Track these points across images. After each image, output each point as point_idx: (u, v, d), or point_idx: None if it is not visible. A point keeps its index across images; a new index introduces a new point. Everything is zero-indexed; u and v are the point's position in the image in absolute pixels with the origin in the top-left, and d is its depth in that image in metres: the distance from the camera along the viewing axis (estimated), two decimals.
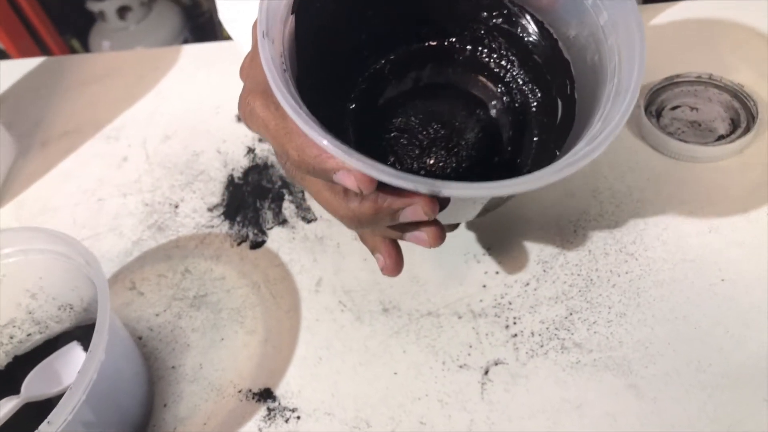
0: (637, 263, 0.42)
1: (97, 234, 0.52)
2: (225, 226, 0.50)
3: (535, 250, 0.44)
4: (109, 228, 0.52)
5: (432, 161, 0.36)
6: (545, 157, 0.36)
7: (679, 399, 0.36)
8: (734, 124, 0.47)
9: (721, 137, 0.46)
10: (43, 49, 1.51)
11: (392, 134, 0.37)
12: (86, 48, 1.58)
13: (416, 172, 0.37)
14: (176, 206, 0.53)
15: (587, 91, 0.34)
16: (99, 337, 0.34)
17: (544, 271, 0.43)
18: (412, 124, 0.37)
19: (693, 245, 0.42)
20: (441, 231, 0.31)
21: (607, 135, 0.27)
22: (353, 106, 0.38)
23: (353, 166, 0.26)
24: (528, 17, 0.37)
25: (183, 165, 0.55)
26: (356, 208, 0.29)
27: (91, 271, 0.36)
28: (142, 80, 0.64)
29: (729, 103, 0.48)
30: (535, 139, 0.38)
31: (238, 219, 0.51)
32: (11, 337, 0.44)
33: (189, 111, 0.60)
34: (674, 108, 0.49)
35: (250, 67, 0.32)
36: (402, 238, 0.33)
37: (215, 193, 0.53)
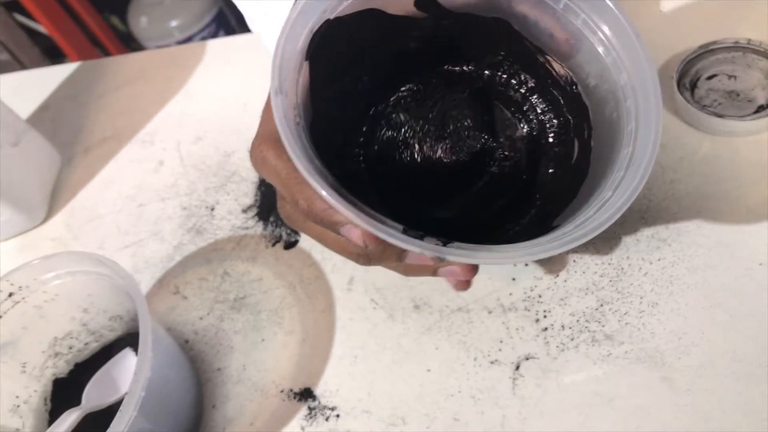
0: (670, 249, 0.41)
1: (140, 240, 0.54)
2: (259, 227, 0.52)
3: None
4: (151, 233, 0.55)
5: (449, 195, 0.37)
6: (558, 195, 0.35)
7: (713, 391, 0.36)
8: None
9: (761, 108, 0.44)
10: (83, 28, 1.56)
11: (408, 167, 0.37)
12: (125, 24, 1.61)
13: (432, 207, 0.37)
14: (212, 209, 0.54)
15: (604, 146, 0.34)
16: (143, 356, 0.36)
17: (574, 261, 0.43)
18: (429, 155, 0.37)
19: (729, 228, 0.41)
20: (468, 271, 0.32)
21: (615, 211, 0.29)
22: (368, 141, 0.38)
23: (362, 226, 0.27)
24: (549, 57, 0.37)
25: (216, 166, 0.57)
26: (362, 250, 0.30)
27: (131, 291, 0.38)
28: (171, 81, 0.65)
29: None
30: (550, 171, 0.37)
31: (271, 219, 0.52)
32: (70, 348, 0.47)
33: (217, 110, 0.61)
34: (710, 78, 0.46)
35: (266, 111, 0.33)
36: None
37: (248, 194, 0.54)
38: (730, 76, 0.46)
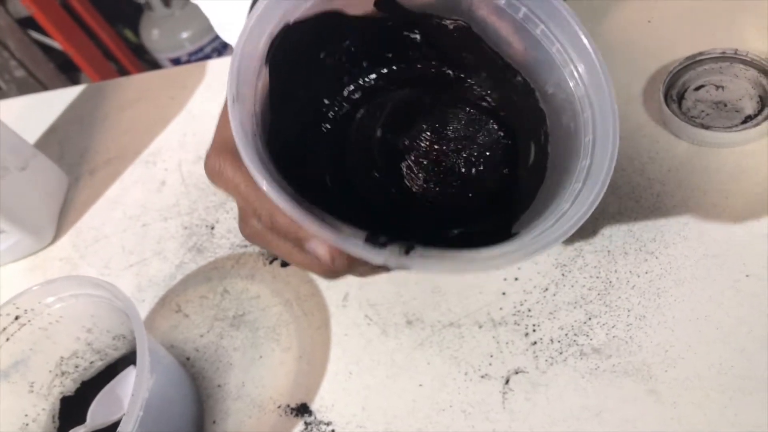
0: (657, 262, 0.41)
1: (144, 259, 0.56)
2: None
3: (553, 253, 0.44)
4: (154, 252, 0.56)
5: (416, 187, 0.37)
6: (516, 200, 0.36)
7: (699, 403, 0.36)
8: (763, 102, 0.44)
9: (748, 118, 0.44)
10: (96, 42, 1.59)
11: (373, 171, 0.37)
12: (138, 37, 1.64)
13: (400, 197, 0.37)
14: (212, 227, 0.56)
15: (562, 155, 0.34)
16: (141, 377, 0.37)
17: (563, 275, 0.43)
18: (393, 158, 0.37)
19: (716, 239, 0.41)
20: None
21: (573, 224, 0.29)
22: (331, 146, 0.38)
23: (327, 240, 0.27)
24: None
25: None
26: (329, 267, 0.30)
27: (129, 313, 0.40)
28: (172, 101, 0.66)
29: (756, 79, 0.45)
30: (505, 171, 0.37)
31: None
32: (76, 366, 0.48)
33: None
34: (698, 89, 0.47)
35: (222, 119, 0.32)
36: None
37: None
38: (717, 87, 0.46)
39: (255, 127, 0.30)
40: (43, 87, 1.68)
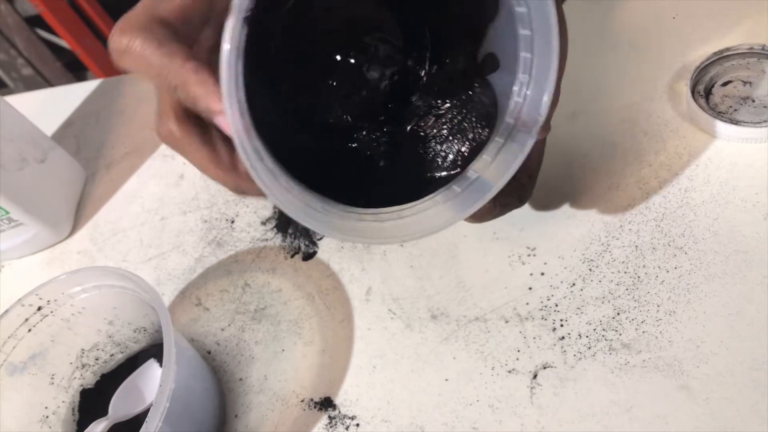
0: (687, 257, 0.41)
1: (163, 253, 0.56)
2: (278, 239, 0.53)
3: (580, 248, 0.44)
4: (173, 246, 0.56)
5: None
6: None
7: (732, 399, 0.36)
8: None
9: None
10: (104, 42, 1.59)
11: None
12: None
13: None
14: (232, 221, 0.55)
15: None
16: (167, 368, 0.37)
17: (590, 270, 0.43)
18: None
19: (746, 235, 0.41)
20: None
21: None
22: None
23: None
24: None
25: None
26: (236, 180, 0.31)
27: (155, 305, 0.39)
28: None
29: None
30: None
31: (290, 231, 0.53)
32: (97, 359, 0.48)
33: None
34: (725, 84, 0.46)
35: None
36: None
37: (267, 207, 0.55)
38: (745, 83, 0.46)
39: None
40: (50, 85, 1.68)
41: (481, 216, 0.39)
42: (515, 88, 0.35)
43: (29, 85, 1.69)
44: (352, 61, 0.38)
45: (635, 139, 0.47)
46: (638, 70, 0.51)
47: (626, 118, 0.49)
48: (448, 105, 0.39)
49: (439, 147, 0.39)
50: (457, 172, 0.38)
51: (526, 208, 0.47)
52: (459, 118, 0.39)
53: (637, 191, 0.45)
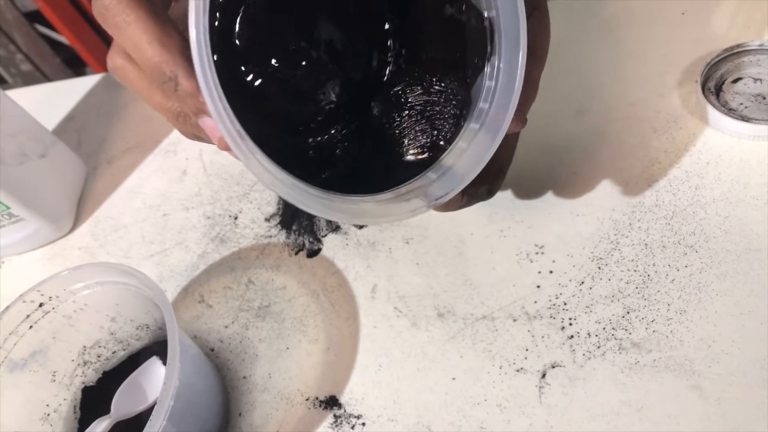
0: (698, 256, 0.41)
1: (165, 249, 0.55)
2: (282, 236, 0.52)
3: (589, 246, 0.43)
4: (176, 242, 0.55)
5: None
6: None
7: (744, 399, 0.36)
8: None
9: None
10: (103, 38, 1.58)
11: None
12: None
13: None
14: (235, 218, 0.55)
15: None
16: (172, 366, 0.36)
17: (599, 268, 0.42)
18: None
19: (758, 233, 0.40)
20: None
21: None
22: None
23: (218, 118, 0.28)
24: None
25: (239, 175, 0.57)
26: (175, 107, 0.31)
27: (159, 302, 0.39)
28: None
29: None
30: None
31: (294, 227, 0.52)
32: (99, 356, 0.47)
33: None
34: (736, 81, 0.46)
35: None
36: None
37: (270, 203, 0.54)
38: (755, 80, 0.45)
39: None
40: (49, 81, 1.67)
41: (447, 206, 0.39)
42: (486, 71, 0.35)
43: (28, 80, 1.68)
44: (321, 53, 0.37)
45: (644, 137, 0.47)
46: (645, 67, 0.50)
47: (633, 115, 0.48)
48: (421, 92, 0.39)
49: (414, 134, 0.39)
50: (432, 160, 0.38)
51: (533, 206, 0.46)
52: (436, 106, 0.39)
53: (646, 189, 0.44)
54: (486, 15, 0.34)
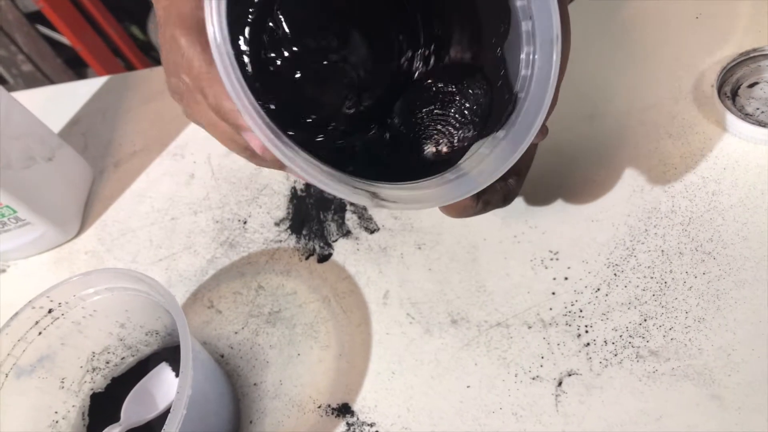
0: (716, 263, 0.40)
1: (173, 254, 0.54)
2: (292, 240, 0.52)
3: (604, 252, 0.43)
4: (184, 247, 0.55)
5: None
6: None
7: (765, 409, 0.35)
8: None
9: None
10: (104, 39, 1.58)
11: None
12: (145, 34, 1.63)
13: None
14: (245, 222, 0.54)
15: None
16: (185, 375, 0.36)
17: (615, 275, 0.42)
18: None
19: None
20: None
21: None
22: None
23: (271, 149, 0.28)
24: None
25: (247, 179, 0.57)
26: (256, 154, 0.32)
27: (170, 309, 0.38)
28: None
29: None
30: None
31: (304, 232, 0.52)
32: (107, 362, 0.47)
33: None
34: (752, 86, 0.45)
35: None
36: None
37: (280, 207, 0.54)
38: None
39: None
40: (50, 82, 1.66)
41: (461, 211, 0.39)
42: (518, 82, 0.35)
43: (29, 81, 1.67)
44: (348, 53, 0.37)
45: (659, 141, 0.46)
46: (660, 71, 0.50)
47: (648, 120, 0.48)
48: (449, 95, 0.38)
49: (436, 135, 0.38)
50: (451, 163, 0.38)
51: (546, 211, 0.46)
52: (461, 109, 0.38)
53: (662, 194, 0.44)
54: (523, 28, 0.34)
